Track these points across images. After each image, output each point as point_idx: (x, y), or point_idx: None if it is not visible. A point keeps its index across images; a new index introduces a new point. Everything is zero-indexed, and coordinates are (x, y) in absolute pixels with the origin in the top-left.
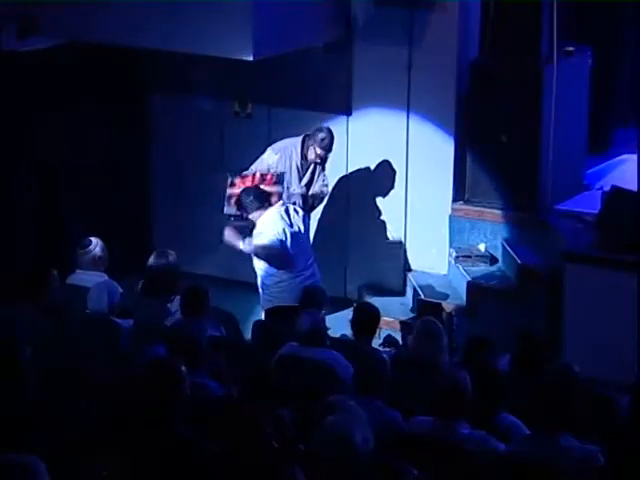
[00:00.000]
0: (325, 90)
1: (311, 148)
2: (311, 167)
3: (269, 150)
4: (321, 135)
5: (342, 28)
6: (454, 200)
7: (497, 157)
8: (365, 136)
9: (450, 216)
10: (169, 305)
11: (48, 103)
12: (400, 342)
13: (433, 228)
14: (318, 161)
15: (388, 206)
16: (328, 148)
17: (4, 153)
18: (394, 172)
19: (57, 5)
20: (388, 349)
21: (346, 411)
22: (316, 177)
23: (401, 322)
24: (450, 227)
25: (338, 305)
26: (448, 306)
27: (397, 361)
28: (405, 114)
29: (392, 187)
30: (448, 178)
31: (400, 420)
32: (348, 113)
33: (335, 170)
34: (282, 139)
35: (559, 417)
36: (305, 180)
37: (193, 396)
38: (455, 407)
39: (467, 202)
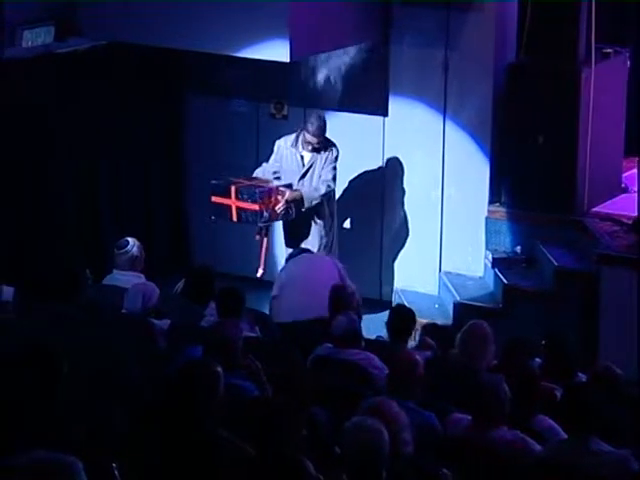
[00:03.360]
0: (361, 91)
1: (302, 135)
2: (308, 159)
3: (276, 143)
4: (309, 120)
5: (378, 29)
6: (490, 202)
7: (534, 159)
8: (401, 137)
9: (486, 218)
10: (205, 310)
11: (84, 104)
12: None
13: (469, 230)
14: (309, 148)
15: (424, 207)
16: (316, 133)
17: (41, 153)
18: (429, 173)
19: (95, 6)
20: (423, 352)
21: (386, 414)
22: (317, 171)
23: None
24: (486, 229)
25: (373, 307)
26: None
27: (433, 364)
28: (441, 115)
29: (427, 188)
30: (484, 179)
31: (435, 421)
32: (384, 114)
33: (370, 171)
34: None
35: (593, 420)
36: (303, 170)
37: (229, 397)
38: (491, 411)
39: (503, 204)
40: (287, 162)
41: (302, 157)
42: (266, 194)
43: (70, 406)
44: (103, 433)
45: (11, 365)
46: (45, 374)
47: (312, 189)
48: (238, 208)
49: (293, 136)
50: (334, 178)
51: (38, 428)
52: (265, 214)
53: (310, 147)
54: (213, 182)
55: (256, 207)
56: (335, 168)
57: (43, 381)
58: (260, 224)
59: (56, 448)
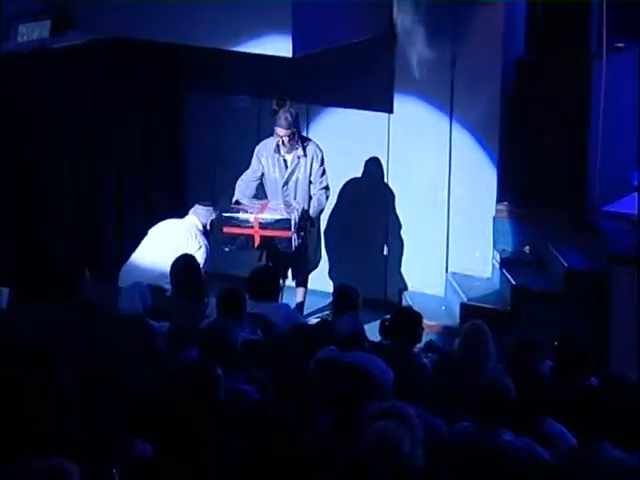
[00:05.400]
0: (366, 87)
1: (275, 135)
2: (290, 159)
3: (255, 149)
4: (279, 114)
5: (384, 23)
6: (498, 201)
7: (543, 156)
8: (407, 135)
9: (494, 217)
10: (204, 309)
11: (81, 100)
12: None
13: (476, 230)
14: (285, 145)
15: (430, 207)
16: (283, 124)
17: (38, 151)
18: (436, 172)
19: (93, 0)
20: (430, 354)
21: (401, 419)
22: (302, 175)
23: None
24: (494, 229)
25: (378, 308)
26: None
27: (439, 366)
28: (448, 112)
29: (434, 187)
30: (492, 178)
31: (442, 427)
32: (389, 111)
33: (375, 169)
34: (320, 138)
35: (604, 426)
36: (287, 174)
37: (229, 401)
38: (498, 413)
39: (512, 203)
40: (270, 168)
41: (285, 161)
42: (298, 220)
43: (69, 410)
44: (103, 437)
45: (8, 367)
46: (42, 375)
47: (316, 203)
48: (263, 237)
49: (274, 142)
50: (326, 186)
51: (37, 432)
52: (296, 239)
53: (286, 143)
54: (225, 215)
55: (288, 234)
56: (325, 171)
57: (40, 382)
58: (293, 249)
59: (54, 452)
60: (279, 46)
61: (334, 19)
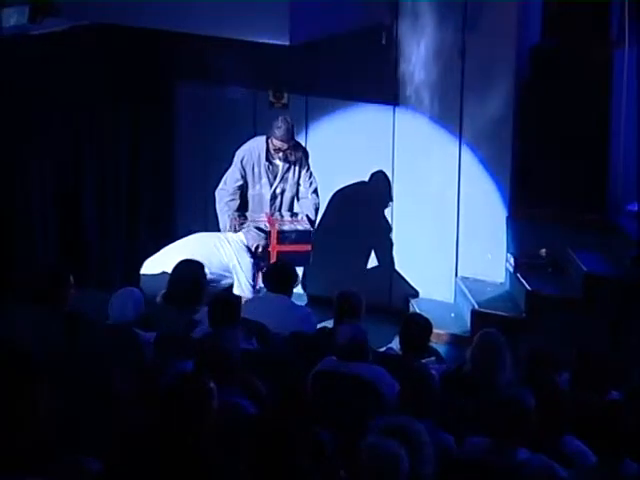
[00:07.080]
0: (369, 78)
1: (269, 142)
2: (281, 167)
3: (237, 154)
4: (275, 125)
5: (387, 9)
6: (512, 200)
7: (561, 152)
8: (413, 129)
9: (508, 218)
10: (195, 316)
11: (63, 92)
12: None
13: (489, 231)
14: (280, 155)
15: (438, 208)
16: (284, 138)
17: (18, 148)
18: (445, 169)
19: None
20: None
21: (408, 436)
22: (290, 180)
23: None
24: (507, 230)
25: (383, 315)
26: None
27: (449, 378)
28: (458, 105)
29: (443, 186)
30: (506, 176)
31: (452, 443)
32: (395, 103)
33: (381, 166)
34: (320, 132)
35: (627, 442)
36: (276, 182)
37: (223, 415)
38: (516, 430)
39: (526, 203)
40: (257, 178)
41: (275, 169)
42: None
43: (51, 423)
44: (87, 451)
45: None
46: (21, 385)
47: (313, 208)
48: (281, 251)
49: (262, 146)
50: (315, 188)
51: (18, 447)
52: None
53: (281, 154)
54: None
55: (308, 247)
56: (312, 173)
57: (19, 393)
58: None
59: (36, 470)
60: (275, 33)
61: (334, 5)
